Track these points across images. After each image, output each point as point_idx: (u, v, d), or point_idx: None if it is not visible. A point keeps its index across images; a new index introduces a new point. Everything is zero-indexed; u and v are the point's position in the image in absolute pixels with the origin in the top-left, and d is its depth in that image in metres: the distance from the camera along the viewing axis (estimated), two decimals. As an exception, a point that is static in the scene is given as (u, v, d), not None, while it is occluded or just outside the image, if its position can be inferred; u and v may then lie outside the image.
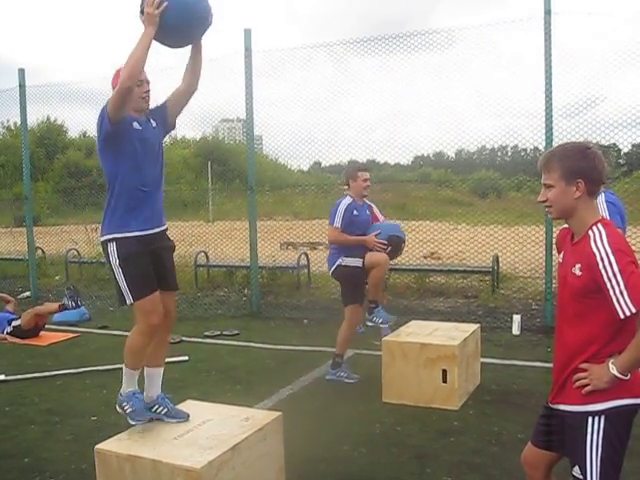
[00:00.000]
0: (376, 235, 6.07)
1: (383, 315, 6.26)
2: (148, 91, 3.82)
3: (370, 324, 6.33)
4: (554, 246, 3.00)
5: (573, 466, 2.65)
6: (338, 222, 6.06)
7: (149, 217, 3.82)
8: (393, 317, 6.39)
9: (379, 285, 6.35)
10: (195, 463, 3.21)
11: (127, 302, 3.76)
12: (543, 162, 2.66)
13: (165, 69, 7.39)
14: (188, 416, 3.85)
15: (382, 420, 5.23)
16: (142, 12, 3.63)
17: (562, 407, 2.68)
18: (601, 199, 5.55)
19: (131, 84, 3.55)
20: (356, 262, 6.06)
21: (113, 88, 3.76)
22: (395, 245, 6.18)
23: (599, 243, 2.51)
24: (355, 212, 6.14)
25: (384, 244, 6.06)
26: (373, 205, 6.52)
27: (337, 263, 6.16)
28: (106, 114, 3.62)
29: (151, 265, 3.81)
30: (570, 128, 7.98)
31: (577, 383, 2.59)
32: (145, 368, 4.01)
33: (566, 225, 2.75)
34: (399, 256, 6.54)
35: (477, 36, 8.49)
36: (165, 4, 3.54)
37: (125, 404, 3.81)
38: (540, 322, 8.32)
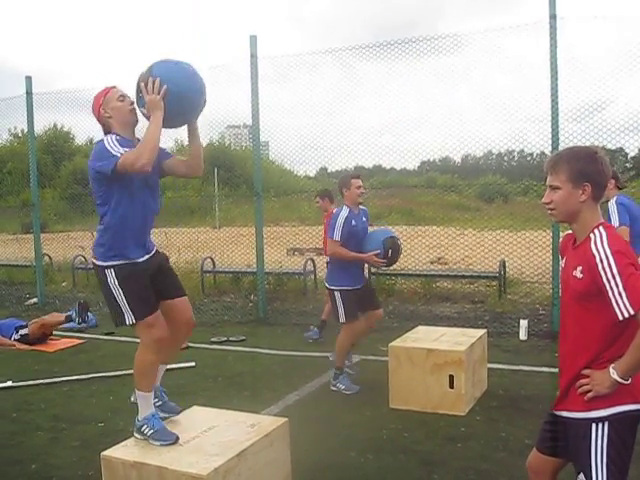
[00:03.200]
0: (376, 255, 6.03)
1: (346, 383, 6.18)
2: (132, 102, 3.76)
3: (333, 389, 6.19)
4: (560, 251, 2.98)
5: (578, 473, 2.63)
6: (337, 235, 6.04)
7: (142, 245, 3.81)
8: (356, 387, 6.16)
9: (347, 350, 6.31)
10: (201, 470, 3.20)
11: (127, 322, 3.70)
12: (550, 164, 2.65)
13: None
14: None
15: (389, 426, 5.22)
16: (139, 104, 3.65)
17: (565, 414, 2.67)
18: (612, 201, 5.78)
19: (148, 166, 3.49)
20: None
21: (95, 114, 3.79)
22: (394, 247, 6.15)
23: (599, 245, 2.50)
24: (353, 222, 6.10)
25: (382, 260, 6.08)
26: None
27: (336, 287, 6.16)
28: (112, 166, 3.51)
29: (150, 282, 3.77)
30: (577, 132, 7.97)
31: (580, 390, 2.58)
32: None
33: (570, 231, 2.75)
34: (399, 257, 6.34)
35: (483, 41, 8.49)
36: (165, 87, 3.51)
37: (145, 427, 3.68)
38: (547, 327, 8.29)
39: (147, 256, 3.83)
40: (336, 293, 6.14)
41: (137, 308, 3.68)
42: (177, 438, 3.61)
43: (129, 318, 3.68)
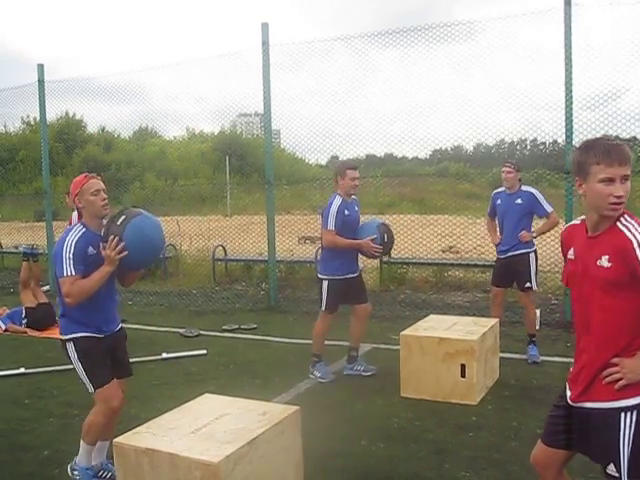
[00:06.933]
0: (372, 240, 5.97)
1: (322, 370, 6.24)
2: (105, 198, 3.99)
3: (311, 376, 6.25)
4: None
5: (604, 465, 2.59)
6: (332, 224, 5.97)
7: (107, 320, 4.08)
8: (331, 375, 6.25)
9: (322, 337, 6.38)
10: (212, 457, 3.20)
11: (89, 390, 4.04)
12: (626, 153, 2.50)
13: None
14: None
15: (400, 415, 5.21)
16: (103, 239, 3.88)
17: (589, 405, 2.62)
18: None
19: (72, 304, 3.84)
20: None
21: (71, 200, 4.09)
22: (389, 234, 6.16)
23: (634, 231, 2.47)
24: (346, 212, 6.04)
25: (379, 246, 6.02)
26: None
27: (325, 276, 6.19)
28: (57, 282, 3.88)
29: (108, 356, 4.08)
30: (590, 121, 7.90)
31: (608, 378, 2.54)
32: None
33: (573, 222, 2.75)
34: (392, 246, 6.43)
35: (497, 28, 8.42)
36: (125, 253, 3.79)
37: (77, 473, 4.14)
38: (559, 317, 8.26)
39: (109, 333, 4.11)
40: (324, 282, 6.15)
41: (95, 379, 4.02)
42: None
43: (90, 387, 4.04)
